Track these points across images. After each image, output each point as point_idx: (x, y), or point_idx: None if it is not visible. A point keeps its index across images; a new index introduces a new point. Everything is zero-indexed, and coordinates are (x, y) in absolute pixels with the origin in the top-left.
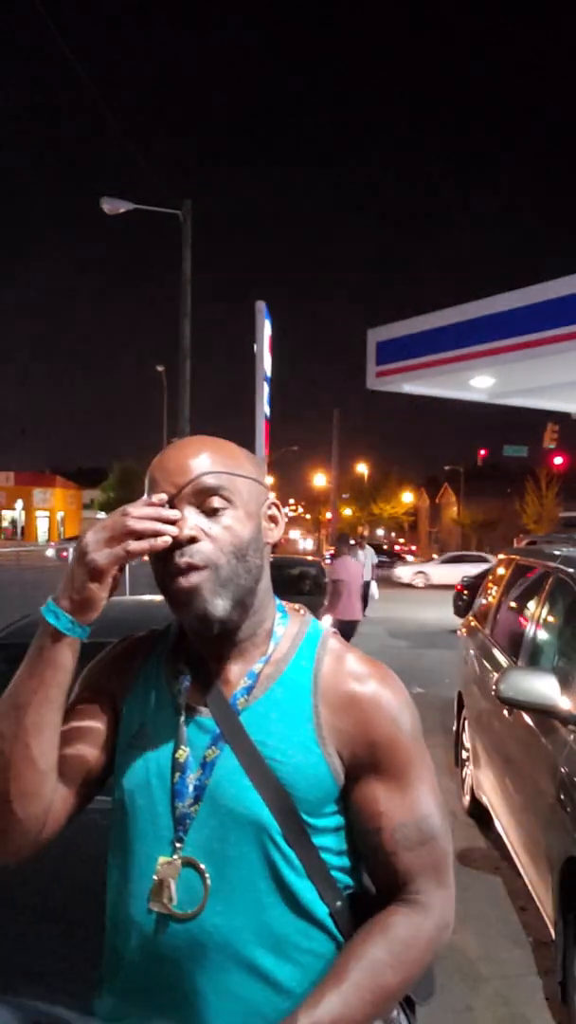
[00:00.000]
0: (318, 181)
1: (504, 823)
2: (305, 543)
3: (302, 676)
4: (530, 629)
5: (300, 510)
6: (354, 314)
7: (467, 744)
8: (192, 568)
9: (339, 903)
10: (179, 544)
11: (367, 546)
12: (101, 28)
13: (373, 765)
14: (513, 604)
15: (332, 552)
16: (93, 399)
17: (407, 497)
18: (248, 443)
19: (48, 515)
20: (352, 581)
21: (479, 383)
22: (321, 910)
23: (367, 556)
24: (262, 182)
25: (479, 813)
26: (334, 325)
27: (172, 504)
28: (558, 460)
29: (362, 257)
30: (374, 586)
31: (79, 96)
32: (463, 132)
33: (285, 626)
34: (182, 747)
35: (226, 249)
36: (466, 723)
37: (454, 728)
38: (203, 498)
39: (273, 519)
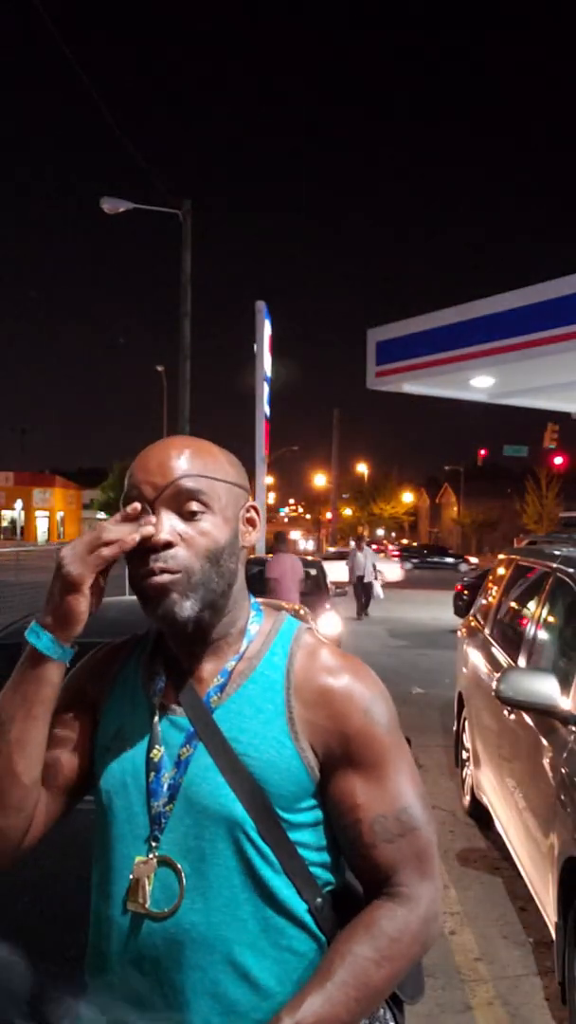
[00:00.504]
0: (319, 180)
1: (504, 823)
2: (307, 544)
3: (275, 672)
4: (530, 629)
5: (300, 510)
6: (354, 314)
7: (467, 744)
8: (165, 571)
9: (319, 900)
10: (155, 548)
11: (366, 547)
12: (100, 28)
13: (348, 758)
14: (513, 604)
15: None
16: (93, 399)
17: (407, 497)
18: (248, 443)
19: (48, 515)
20: (284, 577)
21: (479, 383)
22: (299, 907)
23: (367, 557)
24: (263, 182)
25: (479, 813)
26: (334, 325)
27: (151, 505)
28: (558, 460)
29: (363, 257)
30: (377, 586)
31: (78, 95)
32: (465, 131)
33: (259, 624)
34: (156, 747)
35: (226, 249)
36: (466, 723)
37: (454, 728)
38: (181, 501)
39: (251, 522)
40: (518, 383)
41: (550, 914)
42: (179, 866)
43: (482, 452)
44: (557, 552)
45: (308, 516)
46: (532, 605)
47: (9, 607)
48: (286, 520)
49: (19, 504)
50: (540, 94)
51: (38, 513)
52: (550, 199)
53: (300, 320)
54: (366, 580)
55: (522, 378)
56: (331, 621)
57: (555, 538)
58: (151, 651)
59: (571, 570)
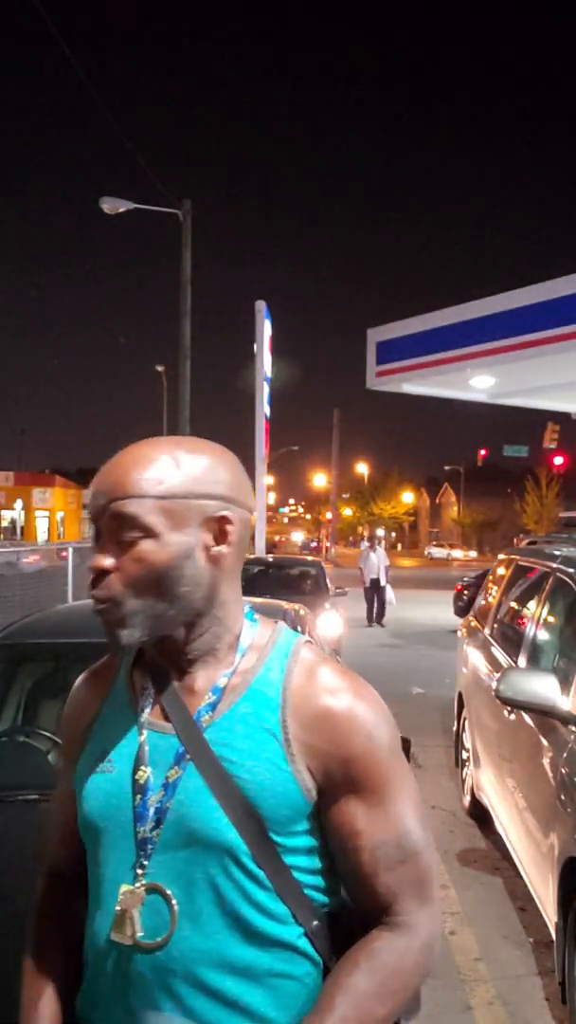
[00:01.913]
0: (319, 179)
1: (504, 823)
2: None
3: (270, 689)
4: (530, 629)
5: (300, 510)
6: (354, 314)
7: (467, 744)
8: (99, 601)
9: (316, 923)
10: (96, 575)
11: (379, 548)
12: (101, 29)
13: (348, 782)
14: (513, 604)
15: None
16: (93, 399)
17: (407, 497)
18: (248, 443)
19: (48, 515)
20: None
21: (479, 383)
22: (294, 931)
23: (380, 559)
24: (263, 181)
25: (479, 813)
26: (334, 325)
27: (96, 526)
28: (558, 460)
29: (363, 257)
30: (390, 591)
31: (79, 95)
32: (465, 131)
33: (253, 636)
34: (142, 767)
35: (226, 249)
36: (466, 723)
37: (454, 728)
38: (117, 527)
39: (220, 533)
40: (518, 383)
41: (550, 914)
42: (169, 893)
43: (482, 452)
44: (557, 552)
45: (308, 516)
46: (532, 605)
47: (9, 607)
48: (286, 520)
49: (19, 504)
50: (545, 91)
51: (38, 513)
52: (553, 197)
53: (300, 320)
54: (382, 584)
55: (522, 378)
56: (331, 621)
57: (555, 538)
58: (136, 662)
59: (571, 570)
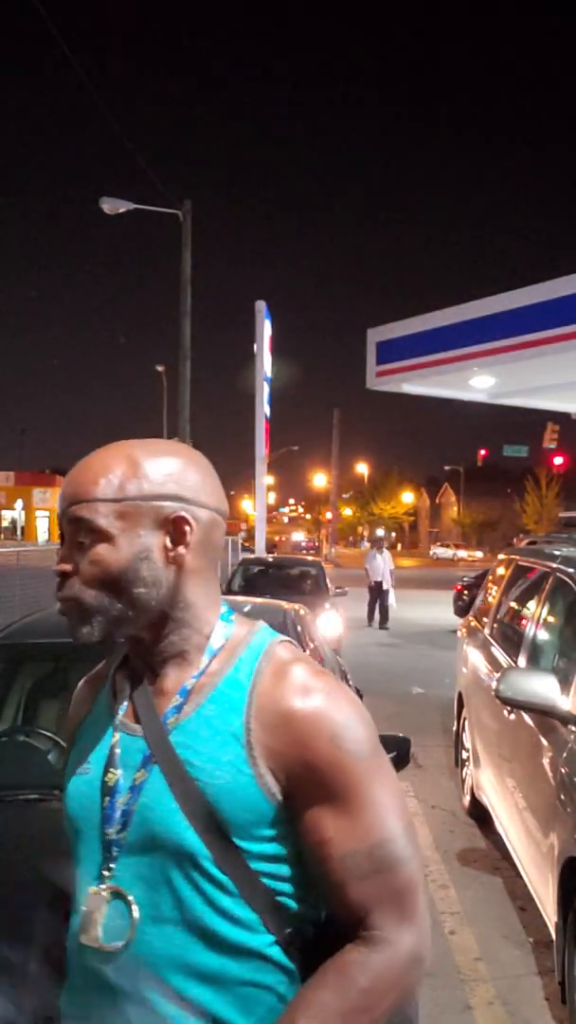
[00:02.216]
0: (319, 179)
1: (504, 823)
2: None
3: (236, 691)
4: (530, 629)
5: (300, 510)
6: (354, 314)
7: (467, 744)
8: (61, 600)
9: (288, 930)
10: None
11: (384, 551)
12: (101, 29)
13: (315, 788)
14: (513, 604)
15: None
16: (93, 399)
17: (407, 497)
18: (248, 443)
19: (48, 515)
20: None
21: (479, 383)
22: (264, 939)
23: (385, 562)
24: (263, 181)
25: (479, 813)
26: (334, 325)
27: (61, 530)
28: (558, 460)
29: (363, 257)
30: (392, 595)
31: (79, 95)
32: (465, 131)
33: (227, 636)
34: (112, 769)
35: (226, 249)
36: (466, 723)
37: (454, 728)
38: (75, 529)
39: (179, 534)
40: (518, 383)
41: (550, 914)
42: (130, 897)
43: (482, 452)
44: (557, 552)
45: (308, 516)
46: (532, 605)
47: (9, 607)
48: (286, 520)
49: (19, 504)
50: (545, 91)
51: (38, 513)
52: (553, 197)
53: (300, 320)
54: (384, 587)
55: (522, 378)
56: (331, 621)
57: (555, 538)
58: (121, 664)
59: (571, 570)
